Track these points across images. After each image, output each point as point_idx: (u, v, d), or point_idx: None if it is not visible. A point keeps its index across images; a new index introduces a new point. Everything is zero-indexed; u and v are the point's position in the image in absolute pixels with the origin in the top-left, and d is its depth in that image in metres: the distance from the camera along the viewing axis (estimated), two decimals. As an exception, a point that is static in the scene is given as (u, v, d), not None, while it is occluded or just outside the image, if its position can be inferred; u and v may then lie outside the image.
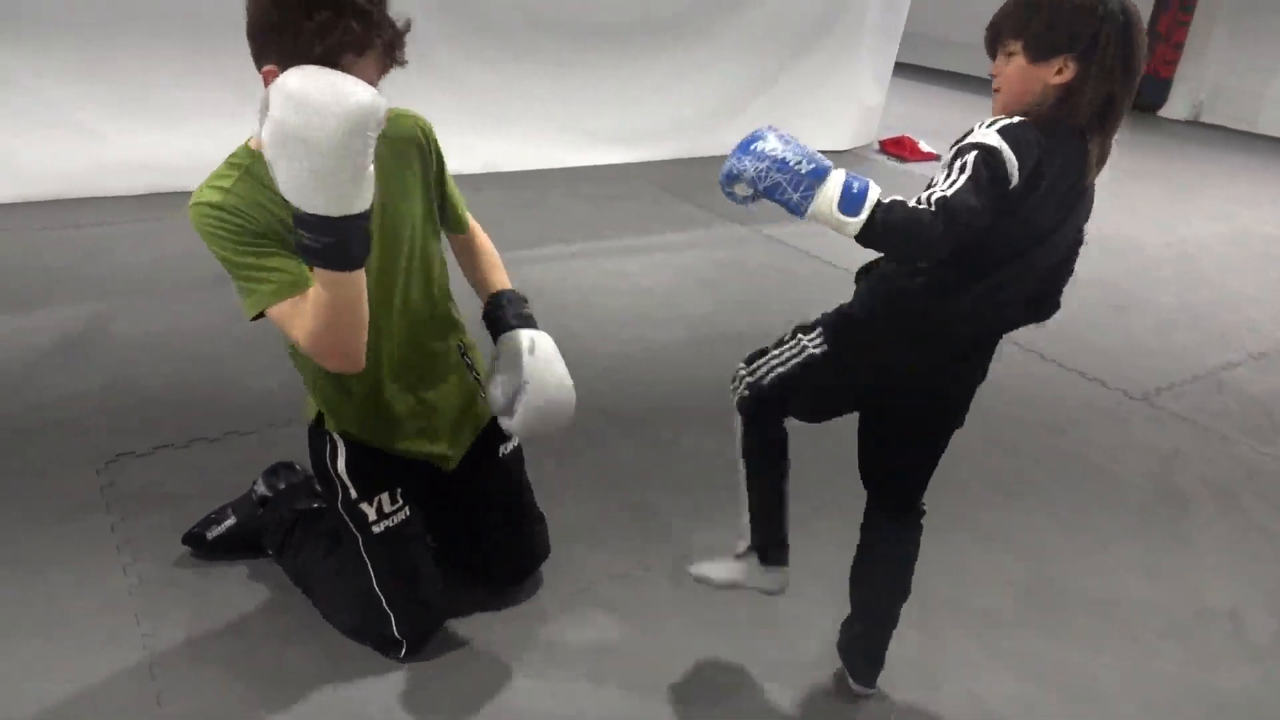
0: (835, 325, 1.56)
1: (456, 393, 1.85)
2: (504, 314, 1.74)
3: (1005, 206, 1.31)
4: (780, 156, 1.27)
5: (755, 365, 1.62)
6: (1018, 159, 1.29)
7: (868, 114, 6.60)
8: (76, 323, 2.96)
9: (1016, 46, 1.36)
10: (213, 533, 1.99)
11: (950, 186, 1.27)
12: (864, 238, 1.25)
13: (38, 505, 2.10)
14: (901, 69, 7.08)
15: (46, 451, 2.30)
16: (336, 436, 1.75)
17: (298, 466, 2.10)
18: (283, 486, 2.06)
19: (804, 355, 1.57)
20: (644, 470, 2.48)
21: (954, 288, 1.42)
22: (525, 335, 1.68)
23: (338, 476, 1.75)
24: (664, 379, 3.00)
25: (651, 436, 2.64)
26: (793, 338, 1.59)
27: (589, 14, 5.06)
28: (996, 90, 1.41)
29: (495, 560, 1.95)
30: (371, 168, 1.27)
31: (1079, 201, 1.42)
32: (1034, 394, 3.10)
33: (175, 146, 4.17)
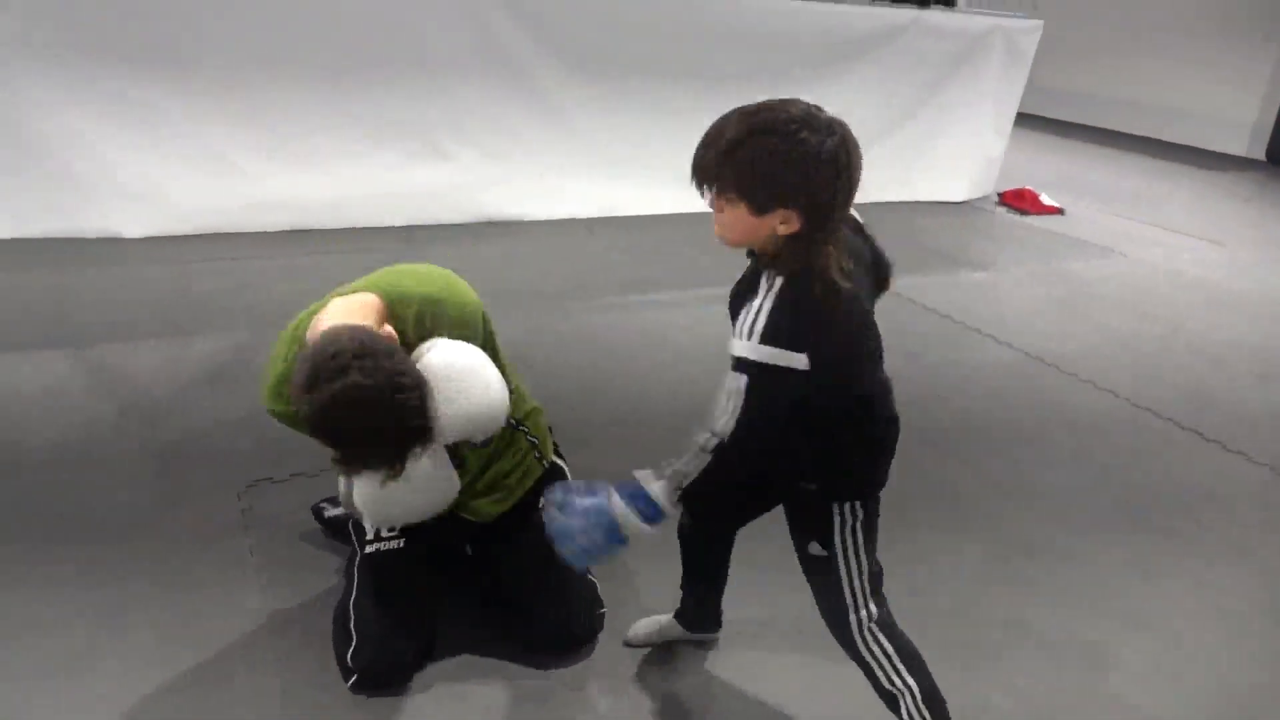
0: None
1: (488, 451, 1.87)
2: None
3: (804, 389, 1.28)
4: (579, 540, 1.36)
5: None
6: (794, 349, 1.24)
7: (988, 165, 6.47)
8: (224, 352, 3.14)
9: (733, 194, 1.26)
10: (329, 512, 2.17)
11: (722, 421, 1.29)
12: (691, 507, 1.36)
13: (184, 526, 2.22)
14: (1024, 119, 6.92)
15: (194, 474, 2.43)
16: None
17: None
18: None
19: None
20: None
21: (843, 426, 1.43)
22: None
23: None
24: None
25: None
26: None
27: (708, 64, 5.14)
28: (720, 233, 1.32)
29: (539, 625, 1.89)
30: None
31: (864, 286, 1.39)
32: (1171, 466, 2.95)
33: (314, 187, 4.42)
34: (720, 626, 1.96)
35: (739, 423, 1.28)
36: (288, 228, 4.40)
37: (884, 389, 1.49)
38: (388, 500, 1.52)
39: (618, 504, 1.34)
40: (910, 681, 1.52)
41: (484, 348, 1.62)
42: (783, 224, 1.25)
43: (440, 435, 1.46)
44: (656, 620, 1.94)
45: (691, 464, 1.32)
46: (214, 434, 2.62)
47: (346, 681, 1.77)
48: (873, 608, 1.53)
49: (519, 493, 1.93)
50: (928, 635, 1.63)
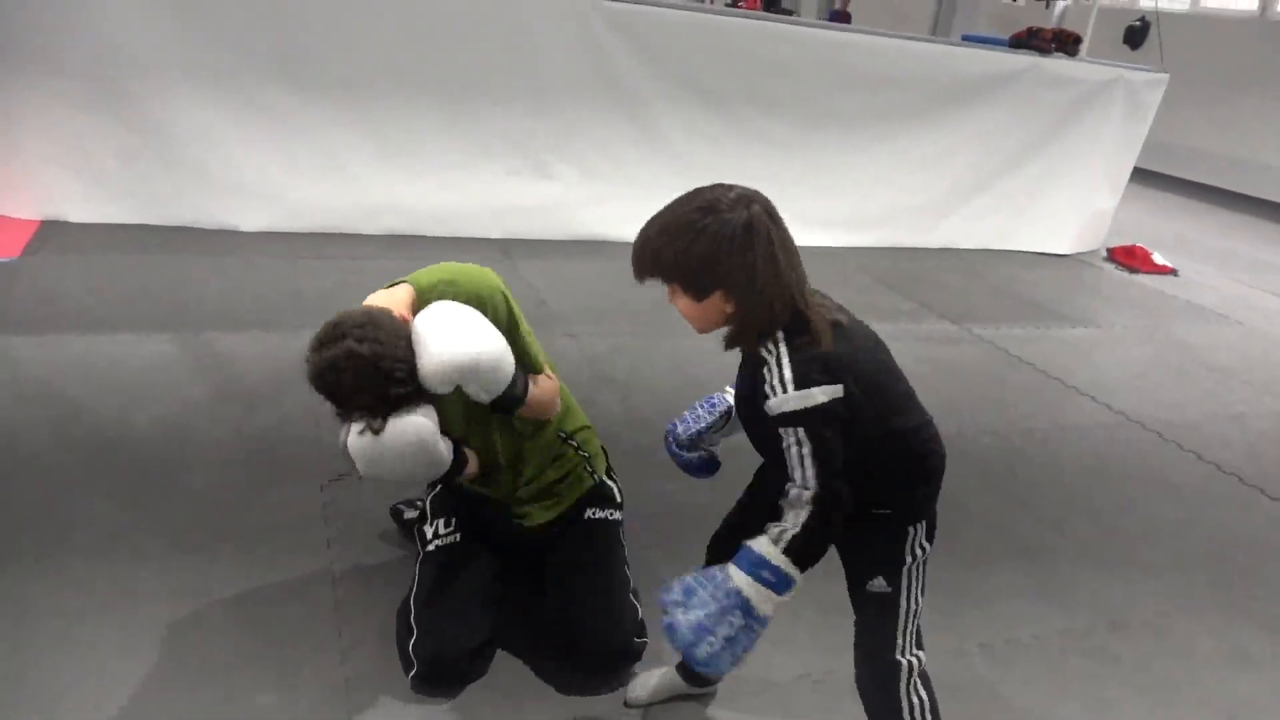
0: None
1: (538, 460, 1.94)
2: None
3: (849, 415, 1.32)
4: (719, 632, 1.31)
5: None
6: (830, 382, 1.30)
7: (1098, 219, 6.25)
8: (320, 347, 3.25)
9: (675, 286, 1.36)
10: (408, 513, 2.23)
11: (802, 475, 1.31)
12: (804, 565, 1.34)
13: (268, 512, 2.30)
14: (1141, 174, 6.66)
15: (281, 463, 2.52)
16: None
17: None
18: None
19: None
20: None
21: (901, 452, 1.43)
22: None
23: (425, 500, 2.02)
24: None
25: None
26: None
27: (813, 100, 5.11)
28: (687, 320, 1.41)
29: (579, 637, 1.87)
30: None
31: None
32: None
33: (419, 195, 4.56)
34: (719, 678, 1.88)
35: (817, 470, 1.30)
36: (392, 232, 4.55)
37: (928, 420, 1.48)
38: (378, 456, 1.60)
39: (744, 581, 1.31)
40: None
41: (505, 333, 1.69)
42: (727, 305, 1.34)
43: (427, 383, 1.57)
44: (655, 674, 1.86)
45: (797, 521, 1.32)
46: (303, 426, 2.70)
47: (408, 674, 1.80)
48: (921, 654, 1.50)
49: (568, 501, 1.99)
50: (998, 702, 1.56)
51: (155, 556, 2.08)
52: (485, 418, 1.83)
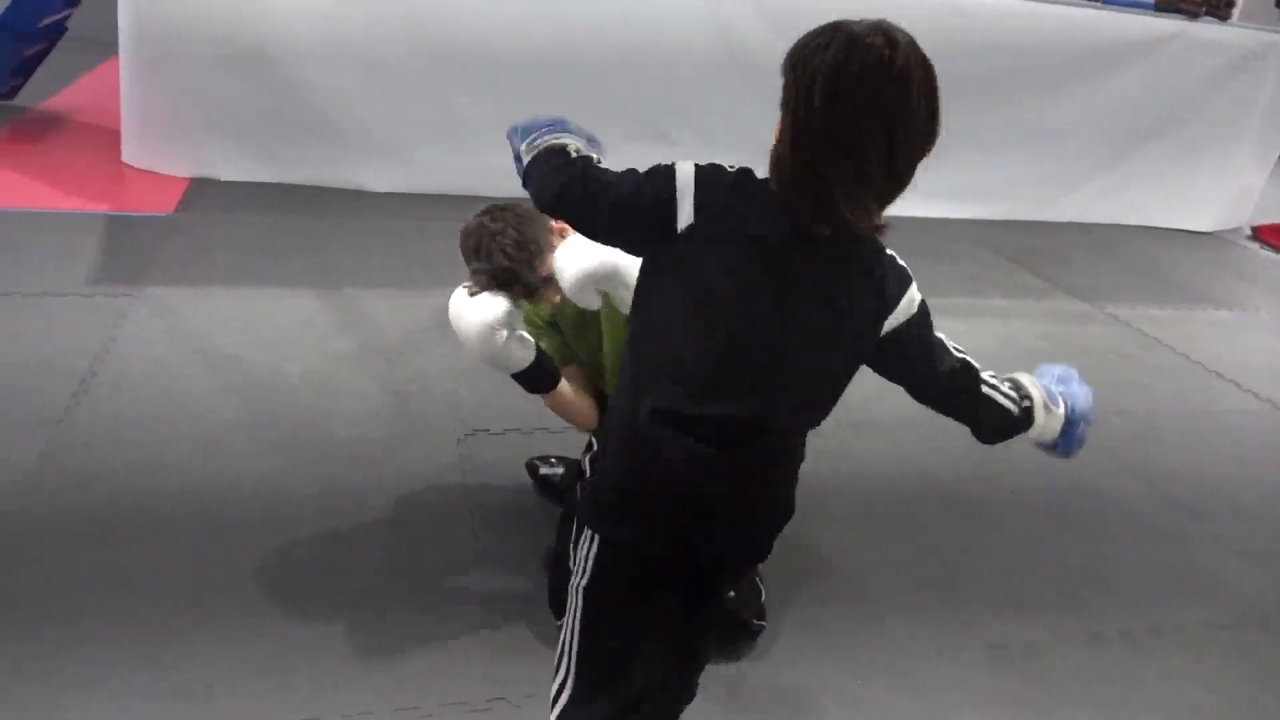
0: None
1: None
2: None
3: None
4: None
5: None
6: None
7: (1243, 195, 5.88)
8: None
9: None
10: (544, 470, 2.33)
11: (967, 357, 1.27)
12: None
13: (409, 463, 2.41)
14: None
15: (421, 416, 2.64)
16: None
17: None
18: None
19: None
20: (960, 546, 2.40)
21: None
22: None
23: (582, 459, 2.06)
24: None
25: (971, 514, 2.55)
26: None
27: (947, 67, 4.89)
28: None
29: None
30: (509, 344, 1.72)
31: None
32: None
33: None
34: None
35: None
36: (512, 194, 4.63)
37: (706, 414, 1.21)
38: (455, 316, 1.74)
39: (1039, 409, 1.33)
40: None
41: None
42: (777, 137, 1.10)
43: (569, 289, 1.66)
44: None
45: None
46: (440, 381, 2.82)
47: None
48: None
49: None
50: (1140, 689, 1.53)
51: (307, 503, 2.21)
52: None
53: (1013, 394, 1.31)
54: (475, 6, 4.29)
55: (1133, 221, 5.65)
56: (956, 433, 1.36)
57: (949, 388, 1.26)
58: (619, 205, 1.15)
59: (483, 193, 4.63)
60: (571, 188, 1.20)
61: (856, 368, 1.18)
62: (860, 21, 1.06)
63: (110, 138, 4.35)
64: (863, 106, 1.03)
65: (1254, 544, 2.53)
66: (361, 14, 4.18)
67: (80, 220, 3.68)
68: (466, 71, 4.41)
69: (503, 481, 2.38)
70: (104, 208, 3.85)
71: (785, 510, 1.27)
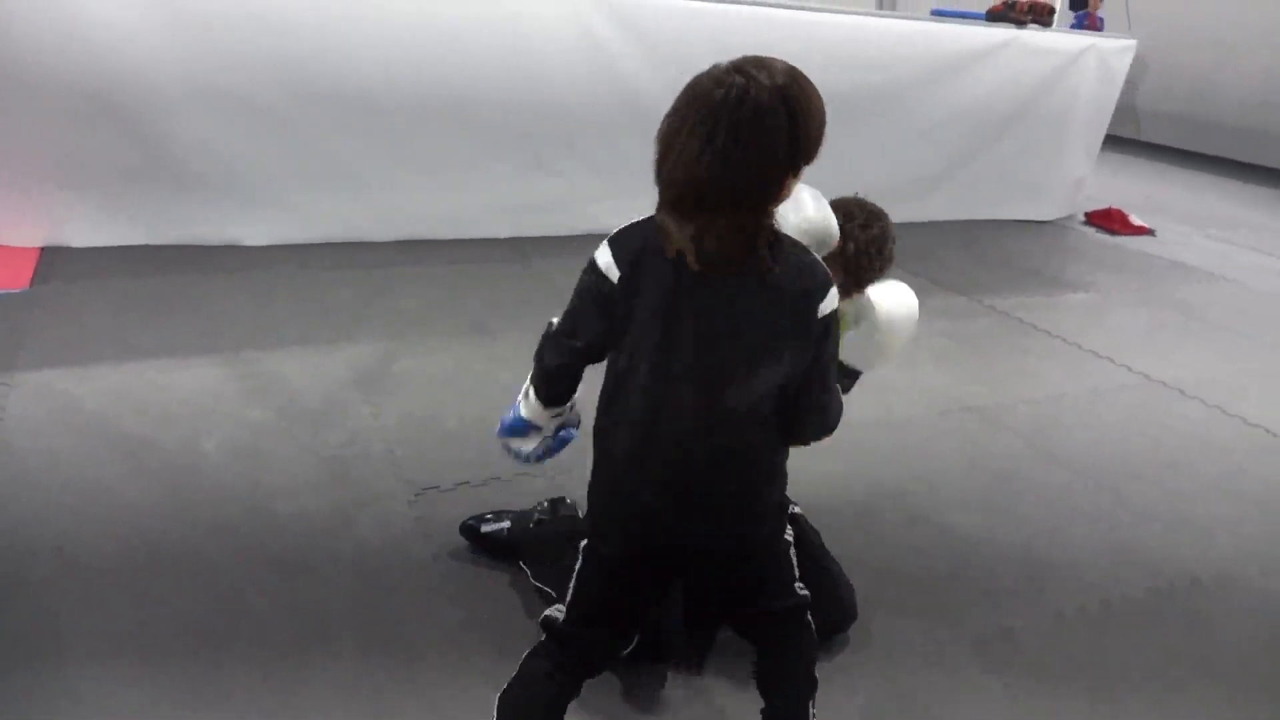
0: None
1: None
2: None
3: None
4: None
5: None
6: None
7: (1076, 186, 6.43)
8: (368, 357, 3.22)
9: None
10: (486, 528, 2.21)
11: None
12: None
13: (365, 533, 2.28)
14: (1110, 141, 6.83)
15: (363, 482, 2.49)
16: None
17: (573, 502, 2.23)
18: (560, 514, 2.20)
19: None
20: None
21: None
22: None
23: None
24: (912, 454, 2.98)
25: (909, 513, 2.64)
26: None
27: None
28: None
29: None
30: None
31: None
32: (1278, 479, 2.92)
33: (431, 198, 4.52)
34: None
35: None
36: (403, 237, 4.50)
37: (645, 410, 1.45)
38: None
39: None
40: None
41: None
42: None
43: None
44: None
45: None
46: (373, 442, 2.68)
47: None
48: None
49: None
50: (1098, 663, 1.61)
51: (266, 587, 2.05)
52: None
53: None
54: (346, 46, 4.12)
55: (984, 215, 6.07)
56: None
57: None
58: (573, 311, 1.42)
59: (371, 237, 4.54)
60: (544, 345, 1.50)
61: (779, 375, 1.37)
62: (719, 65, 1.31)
63: (-60, 208, 3.93)
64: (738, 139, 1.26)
65: (1169, 511, 2.74)
66: (222, 56, 3.93)
67: (-78, 304, 3.30)
68: (343, 111, 4.23)
69: (465, 540, 2.28)
70: (-53, 287, 3.47)
71: (757, 506, 1.49)
